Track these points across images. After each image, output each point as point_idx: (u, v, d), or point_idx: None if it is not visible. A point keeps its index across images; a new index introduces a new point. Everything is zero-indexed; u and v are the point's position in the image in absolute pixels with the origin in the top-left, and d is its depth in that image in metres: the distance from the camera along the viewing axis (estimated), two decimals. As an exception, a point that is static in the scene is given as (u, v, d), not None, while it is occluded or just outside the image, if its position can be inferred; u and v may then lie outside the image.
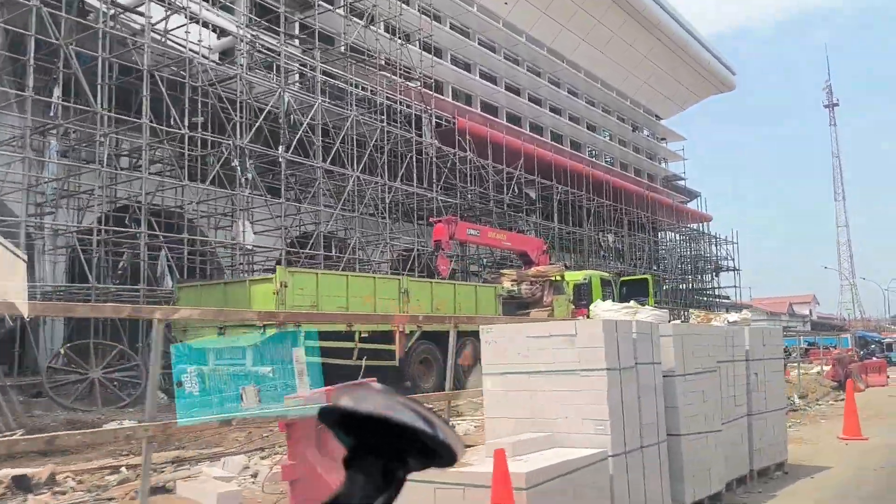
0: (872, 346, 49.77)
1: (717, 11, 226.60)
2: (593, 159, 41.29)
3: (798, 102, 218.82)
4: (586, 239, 32.32)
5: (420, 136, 24.32)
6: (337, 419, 0.90)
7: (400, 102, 23.98)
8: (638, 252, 39.53)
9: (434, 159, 24.40)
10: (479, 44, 33.47)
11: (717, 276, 48.10)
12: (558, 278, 17.82)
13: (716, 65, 49.60)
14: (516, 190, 28.55)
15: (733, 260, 47.52)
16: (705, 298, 48.44)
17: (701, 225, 48.27)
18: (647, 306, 19.65)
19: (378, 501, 0.89)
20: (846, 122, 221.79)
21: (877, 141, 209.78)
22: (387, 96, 23.58)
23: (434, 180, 24.35)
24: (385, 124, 23.04)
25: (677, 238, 47.29)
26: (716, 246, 47.41)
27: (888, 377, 27.77)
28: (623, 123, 44.83)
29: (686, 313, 33.09)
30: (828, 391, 22.05)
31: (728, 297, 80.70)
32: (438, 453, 0.90)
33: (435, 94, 26.07)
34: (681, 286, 48.14)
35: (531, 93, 37.02)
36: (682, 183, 51.04)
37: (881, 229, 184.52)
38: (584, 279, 19.49)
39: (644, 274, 27.30)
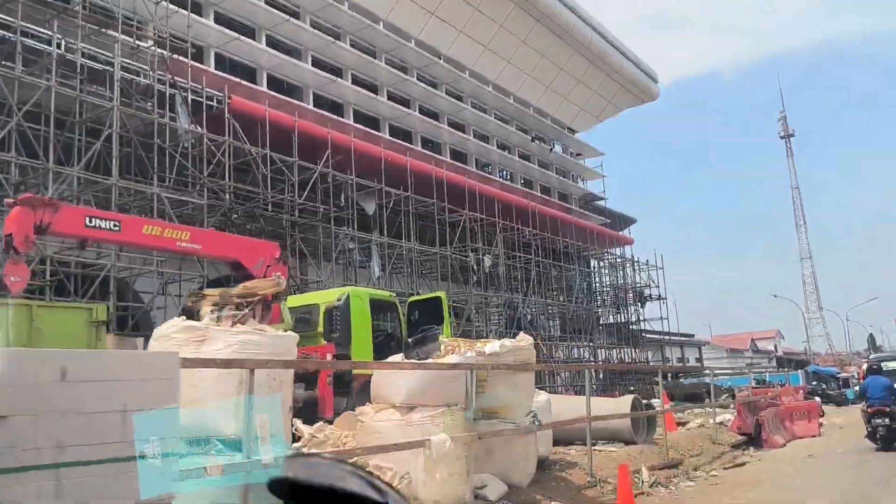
0: (823, 383, 43.60)
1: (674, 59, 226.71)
2: (485, 173, 35.19)
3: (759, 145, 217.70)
4: (451, 262, 25.88)
5: (174, 119, 17.91)
6: (287, 491, 0.89)
7: (145, 74, 17.66)
8: (541, 279, 33.30)
9: (191, 151, 17.95)
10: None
11: (642, 306, 41.85)
12: (278, 297, 11.24)
13: (636, 73, 44.21)
14: (343, 200, 22.22)
15: (658, 287, 41.35)
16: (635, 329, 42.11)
17: (623, 249, 42.26)
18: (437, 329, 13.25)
19: None
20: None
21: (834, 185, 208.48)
22: (122, 65, 17.26)
23: (197, 180, 17.90)
24: (116, 102, 16.63)
25: (597, 265, 41.16)
26: (638, 272, 41.33)
27: (821, 425, 21.43)
28: (524, 134, 38.88)
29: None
30: (723, 450, 15.59)
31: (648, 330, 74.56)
32: None
33: (197, 65, 19.71)
34: (602, 318, 41.84)
35: (392, 90, 30.89)
36: (602, 203, 45.13)
37: (842, 266, 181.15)
38: (340, 299, 12.96)
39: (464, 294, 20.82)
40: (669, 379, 49.63)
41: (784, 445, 17.69)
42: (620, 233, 42.91)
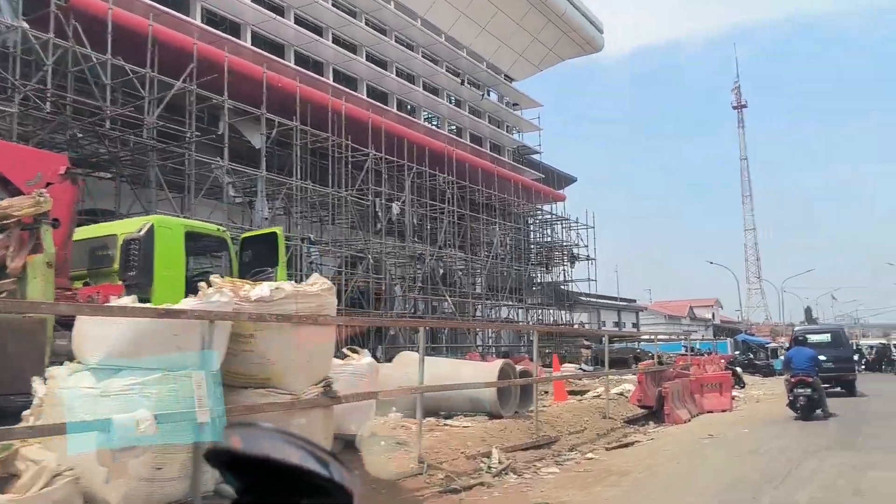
0: (751, 353, 42.60)
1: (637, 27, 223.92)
2: (407, 115, 32.47)
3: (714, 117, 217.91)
4: (348, 205, 23.29)
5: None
6: (225, 461, 0.84)
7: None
8: (462, 232, 31.03)
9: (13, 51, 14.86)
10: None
11: (571, 266, 39.99)
12: (39, 221, 8.56)
13: (580, 20, 41.63)
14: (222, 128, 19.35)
15: (587, 247, 39.47)
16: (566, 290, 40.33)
17: (554, 206, 40.17)
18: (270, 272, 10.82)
19: None
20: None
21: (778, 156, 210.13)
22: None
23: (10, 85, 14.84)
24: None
25: (526, 222, 39.05)
26: (567, 231, 39.39)
27: (734, 398, 19.72)
28: (455, 77, 36.12)
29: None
30: (614, 426, 13.59)
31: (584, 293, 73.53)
32: (332, 493, 0.85)
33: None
34: (534, 277, 39.92)
35: (302, 13, 27.78)
36: (536, 158, 42.86)
37: (785, 238, 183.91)
38: (141, 230, 10.35)
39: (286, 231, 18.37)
40: (603, 343, 48.44)
41: (688, 421, 15.83)
42: (550, 188, 40.71)
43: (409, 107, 33.76)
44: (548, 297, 43.72)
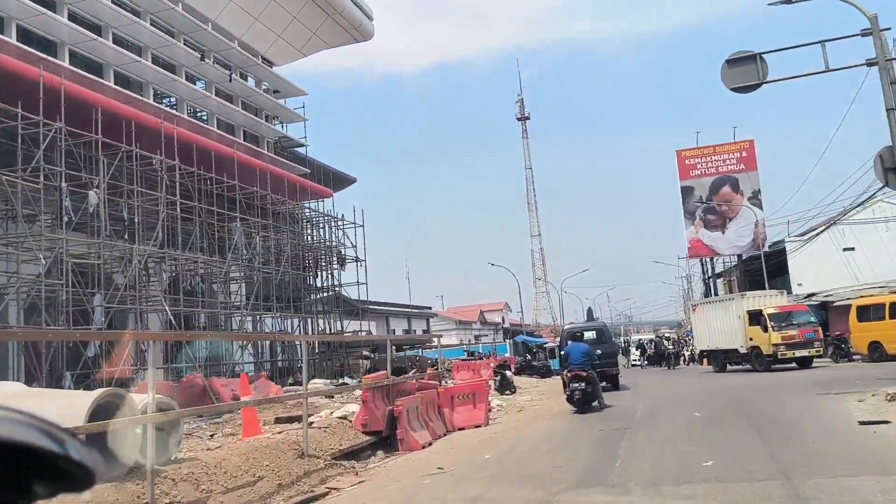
0: (529, 354, 41.46)
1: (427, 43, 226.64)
2: (128, 91, 27.05)
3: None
4: (19, 190, 17.86)
5: None
6: None
7: None
8: (207, 233, 26.19)
9: None
10: None
11: (340, 267, 36.33)
12: None
13: (345, 3, 38.23)
14: None
15: (354, 247, 36.06)
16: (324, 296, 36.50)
17: (321, 203, 36.37)
18: None
19: None
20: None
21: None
22: None
23: None
24: None
25: (293, 220, 34.77)
26: (334, 230, 35.73)
27: (491, 409, 16.97)
28: (192, 52, 31.08)
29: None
30: (316, 466, 9.94)
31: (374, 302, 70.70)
32: (71, 474, 0.75)
33: None
34: (304, 282, 35.71)
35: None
36: (302, 151, 38.82)
37: (568, 241, 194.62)
38: None
39: None
40: (391, 352, 45.36)
41: (428, 445, 12.59)
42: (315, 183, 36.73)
43: (130, 81, 28.27)
44: (329, 305, 39.87)
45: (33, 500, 0.76)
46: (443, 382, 18.48)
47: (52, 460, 0.74)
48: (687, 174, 46.94)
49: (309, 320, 38.10)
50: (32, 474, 0.74)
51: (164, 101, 30.34)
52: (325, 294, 38.77)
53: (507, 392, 24.31)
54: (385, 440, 12.31)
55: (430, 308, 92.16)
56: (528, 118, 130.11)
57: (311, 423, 11.99)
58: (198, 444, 10.89)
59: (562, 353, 24.34)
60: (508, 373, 24.84)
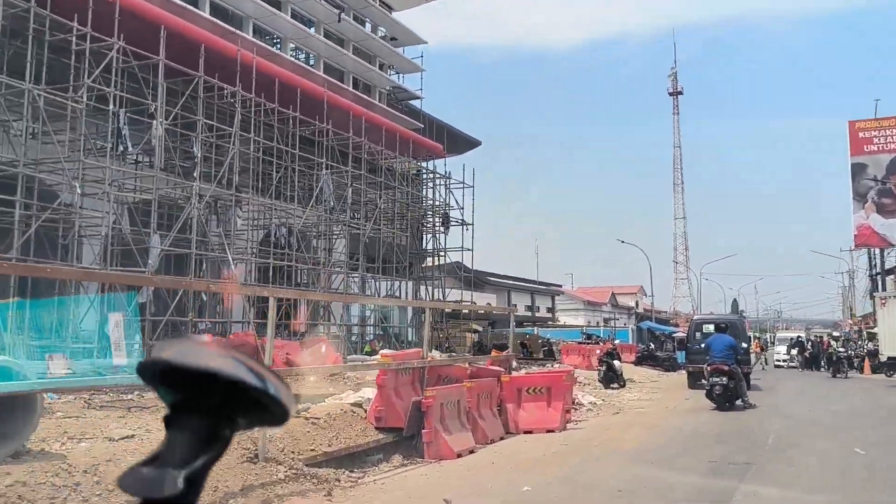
0: (653, 343, 36.88)
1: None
2: (225, 24, 25.12)
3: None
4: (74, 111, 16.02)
5: None
6: (157, 375, 0.81)
7: None
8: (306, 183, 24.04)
9: None
10: None
11: (444, 230, 33.34)
12: None
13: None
14: None
15: (461, 209, 32.84)
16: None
17: (430, 163, 33.42)
18: None
19: (199, 462, 0.80)
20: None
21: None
22: None
23: None
24: None
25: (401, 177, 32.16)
26: (438, 190, 32.70)
27: (570, 409, 13.30)
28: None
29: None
30: (270, 479, 6.94)
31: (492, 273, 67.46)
32: (269, 409, 0.82)
33: None
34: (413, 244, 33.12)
35: None
36: (417, 104, 35.99)
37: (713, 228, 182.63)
38: None
39: None
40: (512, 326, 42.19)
41: (469, 452, 9.32)
42: (426, 138, 33.69)
43: (230, 14, 26.35)
44: (445, 273, 37.33)
45: (235, 430, 0.83)
46: (514, 370, 15.00)
47: (254, 395, 0.80)
48: (860, 149, 39.97)
49: (422, 287, 35.60)
50: (237, 406, 0.81)
51: (265, 37, 28.30)
52: (440, 258, 35.97)
53: (614, 386, 20.52)
54: (410, 440, 9.15)
55: (559, 286, 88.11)
56: (680, 93, 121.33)
57: (307, 408, 8.97)
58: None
59: (692, 345, 21.88)
60: (617, 363, 20.94)
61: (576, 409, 14.02)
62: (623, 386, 21.00)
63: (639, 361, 34.26)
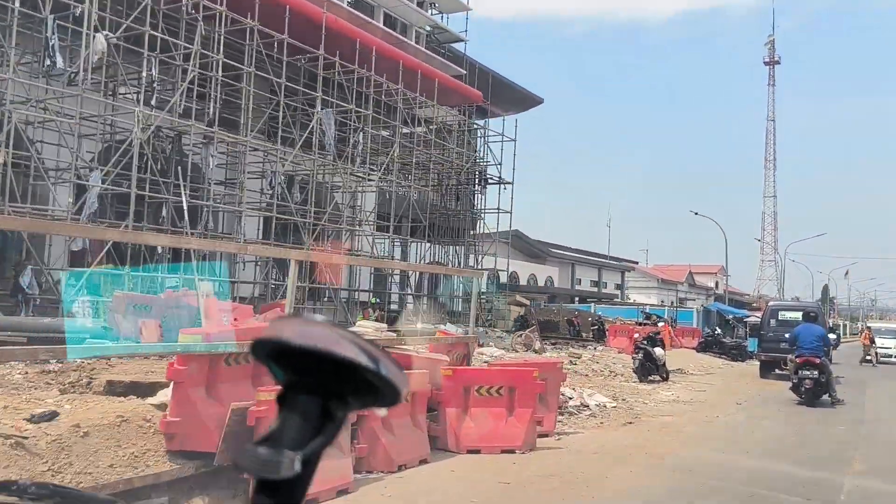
0: (718, 328, 32.15)
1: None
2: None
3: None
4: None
5: None
6: (270, 352, 0.81)
7: None
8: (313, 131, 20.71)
9: None
10: None
11: (483, 190, 29.52)
12: None
13: None
14: None
15: (499, 165, 28.83)
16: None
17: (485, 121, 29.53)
18: None
19: (315, 443, 0.79)
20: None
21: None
22: None
23: None
24: None
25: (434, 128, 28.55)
26: (483, 144, 28.79)
27: (559, 414, 9.56)
28: None
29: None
30: None
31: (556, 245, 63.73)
32: (381, 391, 0.81)
33: None
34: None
35: None
36: (460, 47, 32.03)
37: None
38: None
39: None
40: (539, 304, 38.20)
41: (335, 494, 5.79)
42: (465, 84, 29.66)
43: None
44: (495, 240, 33.83)
45: (348, 411, 0.83)
46: (472, 358, 11.20)
47: (368, 377, 0.79)
48: None
49: (473, 255, 32.04)
50: (350, 387, 0.80)
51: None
52: (481, 223, 32.24)
53: (654, 378, 16.55)
54: (225, 473, 5.65)
55: (632, 262, 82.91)
56: (778, 63, 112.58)
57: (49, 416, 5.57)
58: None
59: (767, 332, 20.60)
60: (659, 350, 16.87)
61: (570, 415, 10.27)
62: (665, 379, 16.99)
63: (702, 348, 29.88)
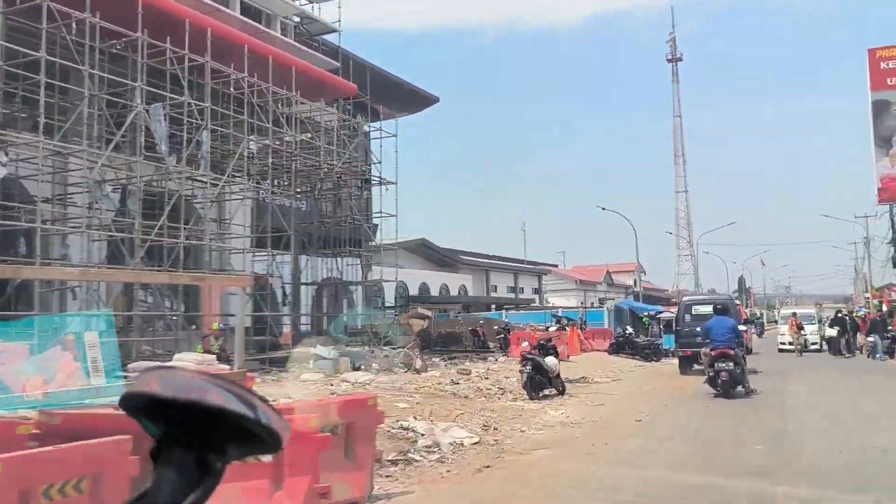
0: (629, 326, 30.12)
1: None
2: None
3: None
4: None
5: None
6: (141, 406, 0.79)
7: None
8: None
9: None
10: None
11: (365, 193, 26.54)
12: None
13: None
14: None
15: (378, 164, 25.97)
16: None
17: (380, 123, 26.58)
18: None
19: (192, 497, 0.77)
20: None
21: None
22: None
23: None
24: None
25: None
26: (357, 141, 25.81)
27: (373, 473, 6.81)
28: None
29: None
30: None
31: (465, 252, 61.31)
32: (261, 438, 0.79)
33: None
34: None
35: None
36: (332, 38, 29.12)
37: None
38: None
39: None
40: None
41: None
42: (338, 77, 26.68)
43: None
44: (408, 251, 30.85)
45: (227, 460, 0.79)
46: None
47: (245, 424, 0.77)
48: (883, 83, 32.78)
49: (375, 267, 29.03)
50: (227, 436, 0.77)
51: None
52: (375, 230, 29.27)
53: (548, 393, 13.98)
54: None
55: (549, 265, 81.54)
56: (680, 59, 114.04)
57: None
58: None
59: (682, 328, 20.74)
60: (551, 360, 14.29)
61: (409, 463, 7.45)
62: (561, 392, 14.43)
63: (615, 349, 27.72)
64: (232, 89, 20.79)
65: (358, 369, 17.84)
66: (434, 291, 53.50)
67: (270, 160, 22.32)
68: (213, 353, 14.92)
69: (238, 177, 22.69)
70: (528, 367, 13.68)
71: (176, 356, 12.62)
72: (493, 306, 52.82)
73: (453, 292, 55.53)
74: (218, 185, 20.16)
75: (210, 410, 0.75)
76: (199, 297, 22.57)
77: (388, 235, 27.73)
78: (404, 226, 27.85)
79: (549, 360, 14.29)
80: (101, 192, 17.45)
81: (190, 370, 0.79)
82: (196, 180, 19.80)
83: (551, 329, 24.69)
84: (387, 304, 47.42)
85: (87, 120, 17.00)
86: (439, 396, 12.07)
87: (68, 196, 18.44)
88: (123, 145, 18.29)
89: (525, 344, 15.86)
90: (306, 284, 28.77)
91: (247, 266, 22.86)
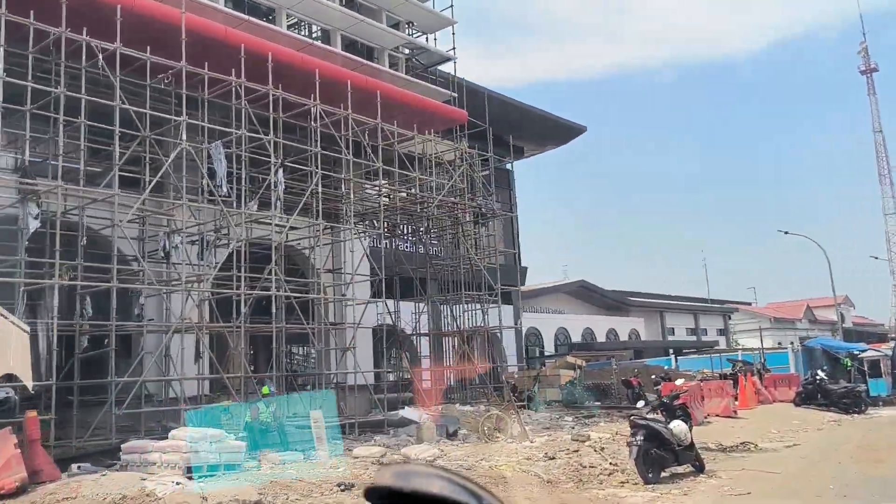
0: (821, 369, 24.37)
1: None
2: None
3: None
4: None
5: None
6: (383, 498, 0.88)
7: None
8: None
9: None
10: None
11: (476, 228, 23.47)
12: None
13: None
14: None
15: (498, 202, 22.78)
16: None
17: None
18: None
19: None
20: None
21: None
22: None
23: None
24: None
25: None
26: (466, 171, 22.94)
27: None
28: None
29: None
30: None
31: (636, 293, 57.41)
32: None
33: None
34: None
35: None
36: (446, 69, 26.86)
37: None
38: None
39: None
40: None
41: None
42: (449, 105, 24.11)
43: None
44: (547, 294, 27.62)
45: None
46: None
47: None
48: None
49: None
50: None
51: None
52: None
53: (670, 472, 10.10)
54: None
55: (738, 303, 73.99)
56: (875, 70, 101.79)
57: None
58: None
59: None
60: (678, 425, 10.39)
61: None
62: (699, 470, 10.48)
63: (803, 399, 22.50)
64: (342, 130, 18.93)
65: (454, 434, 14.78)
66: (601, 337, 49.19)
67: (398, 202, 20.22)
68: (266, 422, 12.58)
69: (357, 223, 20.92)
70: (638, 438, 9.90)
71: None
72: (671, 351, 47.37)
73: (622, 337, 50.87)
74: (323, 230, 18.27)
75: (438, 499, 0.82)
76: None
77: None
78: (556, 267, 24.42)
79: (676, 426, 10.42)
80: (206, 247, 16.11)
81: (422, 464, 0.91)
82: (294, 228, 18.00)
83: (691, 381, 20.00)
84: (545, 353, 43.66)
85: (185, 172, 15.71)
86: (504, 483, 8.70)
87: (166, 252, 17.25)
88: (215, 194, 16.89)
89: (652, 398, 11.98)
90: (445, 335, 25.74)
91: (368, 317, 20.67)
